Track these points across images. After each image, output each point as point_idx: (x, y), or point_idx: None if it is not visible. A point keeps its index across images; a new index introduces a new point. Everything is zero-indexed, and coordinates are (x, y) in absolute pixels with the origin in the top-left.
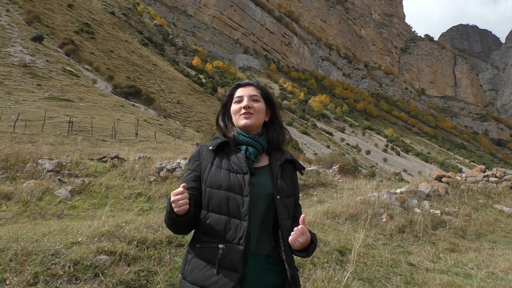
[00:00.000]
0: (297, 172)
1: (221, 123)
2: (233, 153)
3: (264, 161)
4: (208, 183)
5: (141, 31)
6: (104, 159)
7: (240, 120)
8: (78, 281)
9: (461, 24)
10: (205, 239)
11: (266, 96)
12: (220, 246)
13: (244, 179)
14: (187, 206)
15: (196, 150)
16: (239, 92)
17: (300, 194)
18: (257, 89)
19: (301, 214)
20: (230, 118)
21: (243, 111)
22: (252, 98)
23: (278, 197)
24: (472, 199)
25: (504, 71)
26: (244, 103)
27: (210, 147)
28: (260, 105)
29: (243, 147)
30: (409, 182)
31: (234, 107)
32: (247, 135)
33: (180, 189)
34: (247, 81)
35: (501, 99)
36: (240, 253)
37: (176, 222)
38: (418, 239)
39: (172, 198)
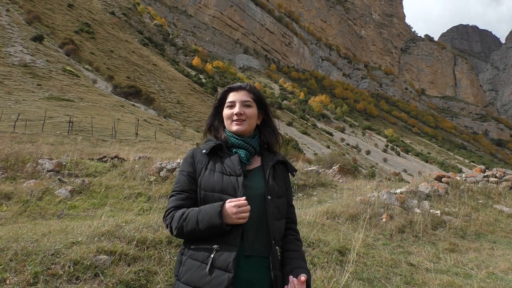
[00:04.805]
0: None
1: (212, 126)
2: (226, 156)
3: (256, 162)
4: (203, 186)
5: (141, 31)
6: (104, 159)
7: (232, 126)
8: (78, 281)
9: (461, 24)
10: (200, 241)
11: (259, 99)
12: (215, 246)
13: (238, 181)
14: (248, 215)
15: (189, 153)
16: (231, 96)
17: (300, 194)
18: (250, 94)
19: (295, 215)
20: (221, 121)
21: (235, 117)
22: (244, 104)
23: (269, 197)
24: (472, 199)
25: (504, 71)
26: (236, 109)
27: (204, 151)
28: (252, 111)
29: (236, 150)
30: (409, 182)
31: (226, 112)
32: (238, 138)
33: (244, 201)
34: (239, 84)
35: (501, 99)
36: (234, 254)
37: (218, 231)
38: (418, 239)
39: (235, 210)
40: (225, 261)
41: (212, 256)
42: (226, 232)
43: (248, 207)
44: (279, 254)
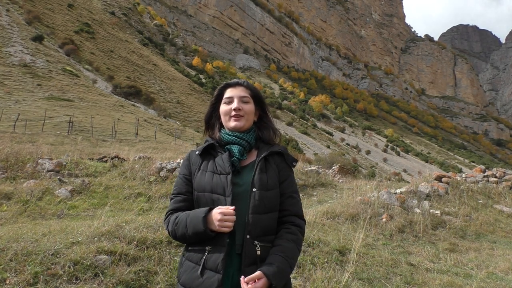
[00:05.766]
0: (293, 168)
1: (209, 125)
2: (219, 155)
3: (252, 157)
4: (196, 187)
5: (141, 31)
6: (104, 159)
7: (230, 122)
8: (78, 281)
9: (461, 24)
10: (195, 242)
11: (256, 96)
12: (207, 248)
13: (227, 179)
14: (232, 225)
15: (186, 155)
16: (229, 92)
17: (300, 194)
18: (247, 90)
19: (296, 207)
20: (218, 117)
21: (233, 113)
22: (242, 100)
23: (254, 189)
24: (472, 199)
25: (504, 71)
26: (234, 105)
27: (197, 152)
28: (249, 107)
29: (229, 147)
30: (409, 182)
31: (223, 108)
32: (231, 134)
33: (231, 210)
34: (236, 80)
35: (501, 99)
36: (223, 254)
37: (204, 237)
38: (418, 239)
39: (220, 217)
40: (215, 262)
41: (204, 257)
42: (213, 237)
43: (234, 217)
44: (258, 249)
